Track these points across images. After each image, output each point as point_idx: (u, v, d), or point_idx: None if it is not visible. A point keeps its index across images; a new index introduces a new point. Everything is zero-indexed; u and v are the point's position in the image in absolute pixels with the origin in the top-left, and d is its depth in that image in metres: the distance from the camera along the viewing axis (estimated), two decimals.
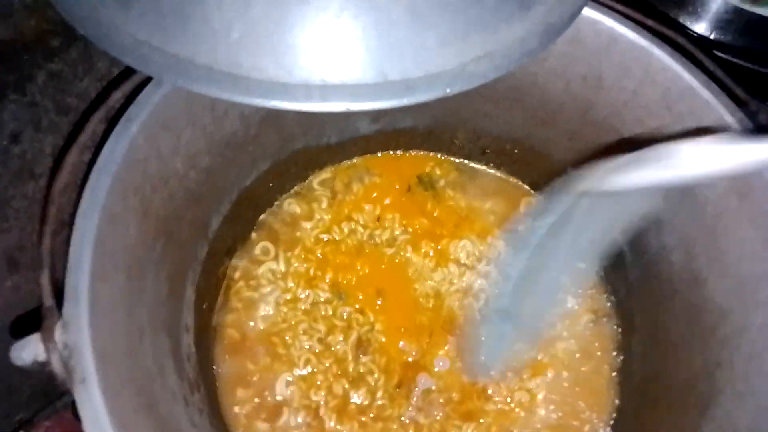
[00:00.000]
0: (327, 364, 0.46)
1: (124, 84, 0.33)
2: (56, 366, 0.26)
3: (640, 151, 0.34)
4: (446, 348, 0.47)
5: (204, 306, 0.45)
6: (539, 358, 0.47)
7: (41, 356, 0.26)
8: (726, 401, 0.34)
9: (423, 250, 0.50)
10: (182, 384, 0.37)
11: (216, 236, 0.45)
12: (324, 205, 0.51)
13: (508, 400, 0.46)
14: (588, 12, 0.37)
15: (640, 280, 0.46)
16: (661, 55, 0.37)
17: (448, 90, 0.32)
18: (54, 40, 0.45)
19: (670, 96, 0.38)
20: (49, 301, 0.28)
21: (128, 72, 0.34)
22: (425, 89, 0.32)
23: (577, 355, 0.48)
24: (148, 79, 0.34)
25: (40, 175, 0.48)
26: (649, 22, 0.38)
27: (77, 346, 0.27)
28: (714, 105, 0.36)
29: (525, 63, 0.34)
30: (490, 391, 0.46)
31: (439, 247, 0.50)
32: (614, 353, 0.48)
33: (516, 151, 0.51)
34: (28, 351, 0.26)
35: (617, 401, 0.46)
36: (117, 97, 0.33)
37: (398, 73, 0.32)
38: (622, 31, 0.38)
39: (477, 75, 0.33)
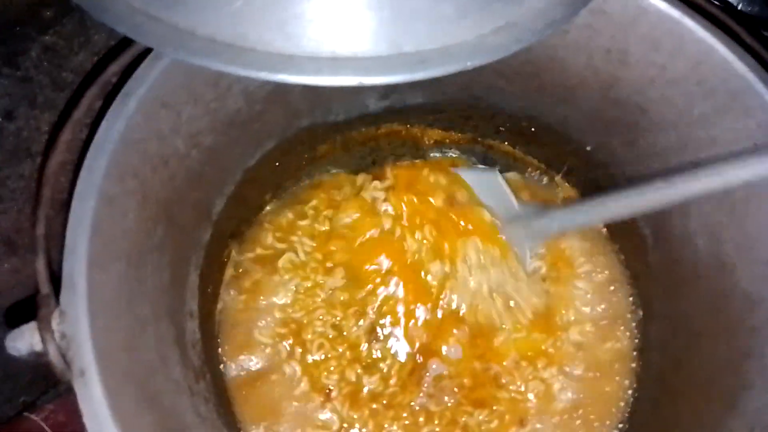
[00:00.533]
0: (340, 350, 0.45)
1: (120, 56, 0.31)
2: (54, 357, 0.25)
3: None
4: (456, 333, 0.46)
5: (209, 290, 0.44)
6: (552, 350, 0.46)
7: (37, 346, 0.25)
8: (756, 396, 0.33)
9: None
10: (187, 373, 0.36)
11: (220, 218, 0.43)
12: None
13: (522, 388, 0.45)
14: None
15: (661, 264, 0.44)
16: (693, 26, 0.35)
17: (468, 63, 0.30)
18: (47, 11, 0.43)
19: (701, 70, 0.36)
20: (45, 288, 0.26)
21: (125, 43, 0.32)
22: (442, 62, 0.30)
23: (593, 343, 0.46)
24: (146, 52, 0.32)
25: (37, 154, 0.47)
26: None
27: (75, 336, 0.25)
28: (750, 80, 0.34)
29: (548, 35, 0.31)
30: (503, 380, 0.45)
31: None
32: (632, 341, 0.46)
33: (533, 129, 0.49)
34: (24, 341, 0.25)
35: (634, 392, 0.44)
36: (113, 70, 0.30)
37: (413, 45, 0.30)
38: (652, 0, 0.35)
39: (497, 47, 0.30)
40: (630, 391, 0.45)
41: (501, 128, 0.50)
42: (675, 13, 0.35)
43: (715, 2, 0.38)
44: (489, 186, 0.48)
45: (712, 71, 0.35)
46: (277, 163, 0.47)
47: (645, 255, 0.46)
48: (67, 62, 0.45)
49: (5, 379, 0.51)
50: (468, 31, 0.30)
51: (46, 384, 0.51)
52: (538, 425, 0.44)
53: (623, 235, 0.48)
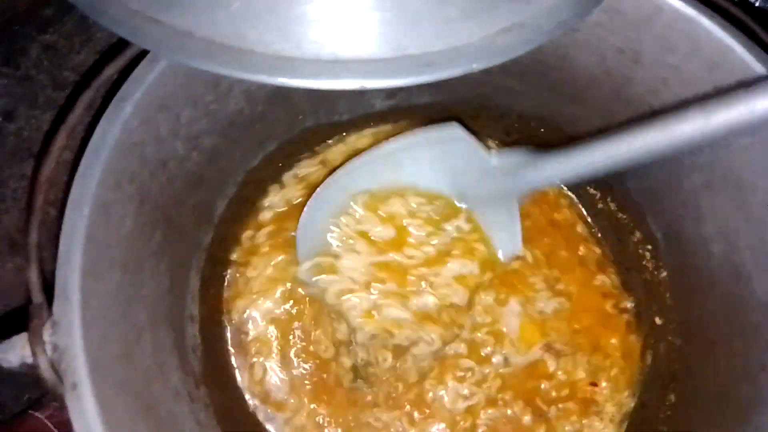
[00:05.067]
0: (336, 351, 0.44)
1: (117, 58, 0.30)
2: (45, 371, 0.24)
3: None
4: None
5: (211, 292, 0.43)
6: (556, 345, 0.45)
7: (29, 359, 0.24)
8: None
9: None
10: (186, 379, 0.35)
11: (221, 221, 0.42)
12: None
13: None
14: None
15: (673, 269, 0.43)
16: (710, 26, 0.33)
17: (473, 66, 0.29)
18: (47, 9, 0.43)
19: (717, 72, 0.34)
20: (37, 297, 0.26)
21: (123, 44, 0.31)
22: (447, 65, 0.29)
23: (599, 345, 0.45)
24: (143, 53, 0.31)
25: (38, 154, 0.46)
26: None
27: (68, 348, 0.25)
28: None
29: (558, 35, 0.30)
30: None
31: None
32: (641, 347, 0.45)
33: (542, 130, 0.47)
34: (15, 353, 0.24)
35: (641, 396, 0.43)
36: (109, 73, 0.30)
37: (417, 47, 0.29)
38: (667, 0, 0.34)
39: (505, 49, 0.29)
40: (636, 395, 0.44)
41: (510, 129, 0.49)
42: (691, 11, 0.34)
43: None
44: (452, 144, 0.42)
45: (730, 73, 0.34)
46: (280, 164, 0.46)
47: (657, 260, 0.44)
48: (68, 61, 0.45)
49: (10, 376, 0.51)
50: (474, 32, 0.29)
51: None
52: None
53: (634, 239, 0.46)
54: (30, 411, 0.49)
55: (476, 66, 0.29)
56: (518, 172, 0.40)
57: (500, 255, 0.44)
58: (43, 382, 0.24)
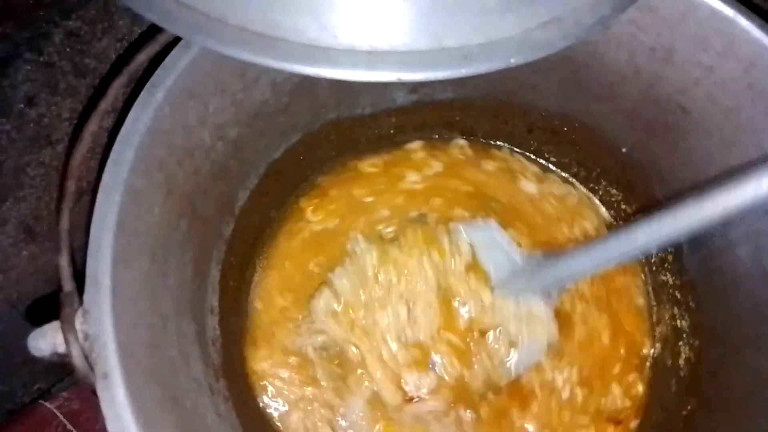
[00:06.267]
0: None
1: (148, 45, 0.30)
2: (77, 359, 0.24)
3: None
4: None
5: (231, 284, 0.43)
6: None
7: (60, 347, 0.24)
8: None
9: None
10: (207, 371, 0.35)
11: (242, 212, 0.42)
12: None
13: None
14: None
15: (698, 272, 0.42)
16: (747, 25, 0.33)
17: (511, 60, 0.28)
18: None
19: (753, 73, 0.34)
20: (68, 285, 0.25)
21: (152, 31, 0.31)
22: (485, 59, 0.28)
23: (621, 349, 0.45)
24: (174, 41, 0.31)
25: (58, 141, 0.46)
26: None
27: (99, 337, 0.24)
28: None
29: (597, 31, 0.30)
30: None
31: None
32: (664, 350, 0.45)
33: (565, 129, 0.47)
34: (46, 341, 0.24)
35: (666, 402, 0.43)
36: (141, 60, 0.29)
37: (454, 39, 0.28)
38: None
39: (543, 44, 0.29)
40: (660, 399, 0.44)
41: (532, 126, 0.49)
42: (728, 11, 0.33)
43: None
44: (487, 241, 0.44)
45: (766, 73, 0.33)
46: (301, 157, 0.46)
47: (681, 262, 0.44)
48: (90, 48, 0.44)
49: (22, 365, 0.50)
50: (512, 25, 0.29)
51: (63, 371, 0.51)
52: None
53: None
54: (40, 401, 0.49)
55: (514, 61, 0.28)
56: (540, 273, 0.41)
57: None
58: (75, 370, 0.24)
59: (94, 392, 0.25)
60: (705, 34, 0.35)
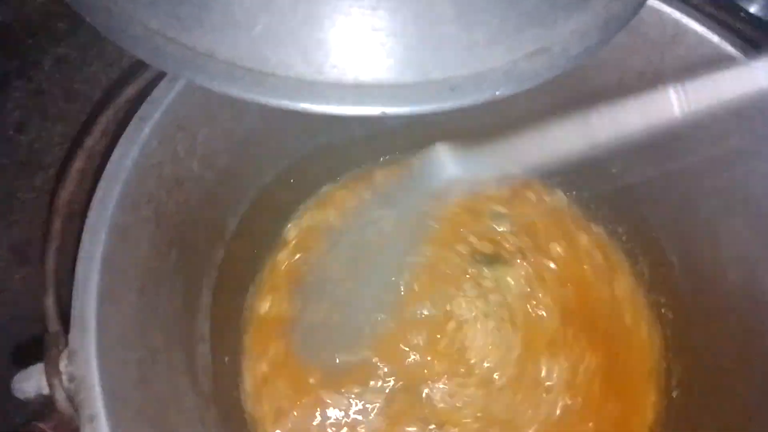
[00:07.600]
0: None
1: (136, 79, 0.30)
2: (61, 403, 0.23)
3: None
4: None
5: (222, 312, 0.42)
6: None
7: (45, 390, 0.24)
8: None
9: None
10: (198, 401, 0.35)
11: (233, 239, 0.42)
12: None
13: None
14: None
15: (688, 294, 0.42)
16: (733, 52, 0.33)
17: (498, 92, 0.28)
18: (60, 22, 0.42)
19: (741, 99, 0.34)
20: (54, 326, 0.25)
21: (140, 65, 0.31)
22: (472, 91, 0.28)
23: (609, 370, 0.45)
24: (162, 73, 0.31)
25: (49, 166, 0.46)
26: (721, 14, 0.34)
27: (85, 378, 0.24)
28: None
29: (584, 61, 0.30)
30: None
31: None
32: (651, 373, 0.44)
33: None
34: (31, 383, 0.24)
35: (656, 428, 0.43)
36: (128, 94, 0.29)
37: (441, 72, 0.28)
38: (690, 23, 0.34)
39: (531, 74, 0.29)
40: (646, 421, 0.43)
41: None
42: (714, 37, 0.33)
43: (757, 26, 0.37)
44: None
45: (752, 102, 0.33)
46: (292, 180, 0.46)
47: (672, 281, 0.44)
48: (80, 73, 0.44)
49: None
50: (499, 57, 0.29)
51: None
52: None
53: (648, 263, 0.46)
54: (34, 422, 0.49)
55: (501, 92, 0.28)
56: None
57: None
58: (59, 413, 0.24)
59: None
60: (692, 59, 0.35)
